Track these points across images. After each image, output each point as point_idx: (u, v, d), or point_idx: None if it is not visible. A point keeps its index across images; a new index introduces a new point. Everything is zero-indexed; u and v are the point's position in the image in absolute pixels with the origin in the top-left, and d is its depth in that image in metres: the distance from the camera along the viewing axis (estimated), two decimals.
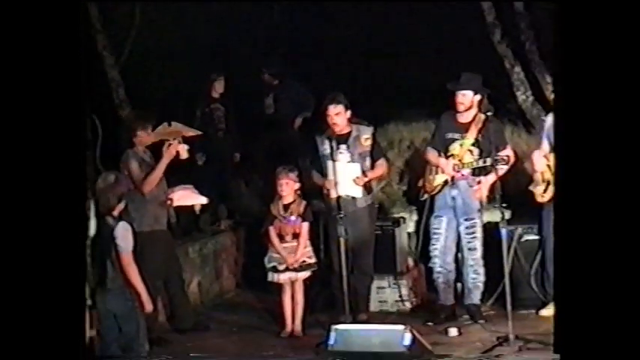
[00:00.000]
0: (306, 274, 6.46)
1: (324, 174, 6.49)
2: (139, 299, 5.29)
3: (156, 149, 6.60)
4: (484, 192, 6.32)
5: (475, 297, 6.58)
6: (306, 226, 6.38)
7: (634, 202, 2.71)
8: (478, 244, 6.46)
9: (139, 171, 6.30)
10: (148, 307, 5.36)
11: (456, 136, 6.46)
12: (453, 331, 6.33)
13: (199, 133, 7.12)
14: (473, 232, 6.41)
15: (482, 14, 9.11)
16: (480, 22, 8.83)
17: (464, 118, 6.43)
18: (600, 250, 2.73)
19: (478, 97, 6.32)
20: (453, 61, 6.68)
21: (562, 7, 2.91)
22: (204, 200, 6.79)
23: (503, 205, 6.13)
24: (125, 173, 6.24)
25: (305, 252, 6.46)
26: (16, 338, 2.94)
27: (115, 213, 5.26)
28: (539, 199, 6.39)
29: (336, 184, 6.31)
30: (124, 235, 5.20)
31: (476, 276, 6.49)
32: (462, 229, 6.43)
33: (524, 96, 8.90)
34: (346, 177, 6.37)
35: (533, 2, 9.08)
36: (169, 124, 6.76)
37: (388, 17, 10.00)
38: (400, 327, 5.52)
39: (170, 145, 6.36)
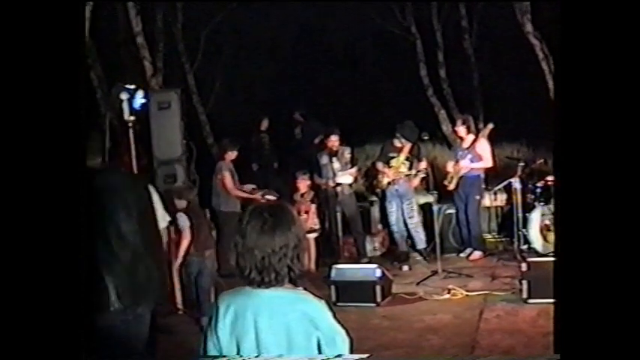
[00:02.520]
0: (314, 235, 9.14)
1: (322, 176, 9.37)
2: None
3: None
4: (414, 184, 9.19)
5: (420, 244, 9.40)
6: (313, 206, 9.36)
7: (634, 202, 2.45)
8: (415, 214, 9.28)
9: (230, 175, 9.00)
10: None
11: (394, 155, 9.16)
12: (405, 268, 9.04)
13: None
14: (410, 207, 9.26)
15: (420, 76, 13.29)
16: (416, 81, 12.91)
17: (397, 143, 9.14)
18: (600, 250, 2.47)
19: (407, 142, 9.04)
20: (400, 109, 9.90)
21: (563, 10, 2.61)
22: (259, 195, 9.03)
23: (434, 192, 8.97)
24: (218, 177, 8.99)
25: (313, 221, 9.28)
26: (17, 338, 2.54)
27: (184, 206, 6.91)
28: (450, 188, 9.30)
29: (333, 181, 9.19)
30: (184, 222, 6.87)
31: (416, 233, 9.32)
32: (404, 207, 9.25)
33: (446, 128, 13.38)
34: (338, 179, 9.24)
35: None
36: None
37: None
38: (374, 266, 7.74)
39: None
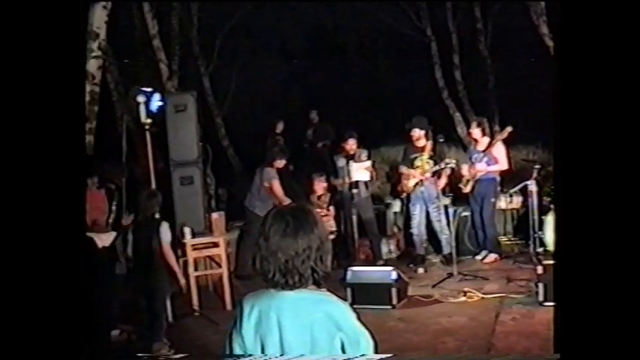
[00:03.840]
0: (331, 237, 9.42)
1: (338, 178, 9.39)
2: (175, 277, 6.41)
3: None
4: (440, 185, 9.02)
5: (446, 249, 9.18)
6: (332, 209, 9.41)
7: (634, 201, 2.44)
8: (442, 216, 9.14)
9: (278, 183, 8.97)
10: (182, 281, 6.56)
11: (417, 155, 9.13)
12: (421, 270, 8.96)
13: None
14: (437, 210, 9.16)
15: (435, 78, 13.77)
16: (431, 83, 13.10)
17: (419, 144, 9.13)
18: (600, 250, 2.46)
19: (423, 131, 9.09)
20: (415, 111, 9.71)
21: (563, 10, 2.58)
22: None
23: (450, 195, 8.99)
24: (265, 184, 8.91)
25: (330, 224, 9.28)
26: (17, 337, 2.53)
27: (157, 215, 6.45)
28: (465, 191, 9.25)
29: (349, 183, 9.21)
30: (165, 230, 6.40)
31: (445, 236, 9.17)
32: (430, 210, 9.18)
33: (461, 130, 13.34)
34: (354, 176, 9.25)
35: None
36: None
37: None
38: (390, 268, 7.69)
39: None
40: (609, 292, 2.50)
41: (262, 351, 2.50)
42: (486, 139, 9.22)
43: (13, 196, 2.67)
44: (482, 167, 9.07)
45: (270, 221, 2.54)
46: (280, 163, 9.21)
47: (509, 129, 8.73)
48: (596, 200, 2.54)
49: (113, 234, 6.60)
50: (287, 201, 8.66)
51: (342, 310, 2.54)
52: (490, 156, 9.04)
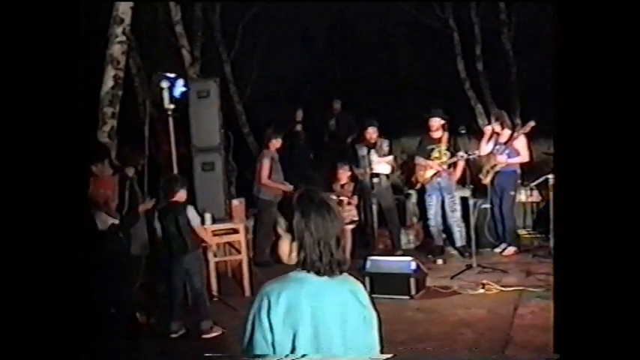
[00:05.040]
0: (352, 226, 9.03)
1: (360, 167, 9.34)
2: (205, 255, 6.65)
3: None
4: (456, 177, 9.15)
5: (458, 242, 9.32)
6: (355, 198, 9.25)
7: (634, 201, 2.42)
8: (457, 207, 9.23)
9: (268, 164, 9.00)
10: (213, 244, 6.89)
11: (433, 146, 9.14)
12: (440, 261, 8.96)
13: None
14: (453, 201, 9.23)
15: (457, 70, 13.63)
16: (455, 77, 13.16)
17: (436, 135, 9.16)
18: (600, 250, 2.44)
19: (441, 121, 9.12)
20: (436, 102, 9.71)
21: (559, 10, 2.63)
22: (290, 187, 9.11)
23: (470, 186, 8.73)
24: (257, 165, 8.99)
25: (353, 213, 9.18)
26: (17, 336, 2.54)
27: (178, 200, 6.54)
28: (484, 182, 9.20)
29: (370, 173, 9.22)
30: (194, 214, 6.57)
31: (459, 229, 9.26)
32: (446, 201, 9.20)
33: (482, 122, 13.56)
34: (376, 169, 9.28)
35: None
36: None
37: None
38: (409, 258, 7.70)
39: None
40: (609, 293, 2.51)
41: (293, 340, 2.50)
42: (507, 131, 9.17)
43: (12, 195, 2.70)
44: (503, 159, 9.03)
45: (313, 208, 2.56)
46: (276, 142, 9.25)
47: (532, 123, 8.66)
48: (596, 200, 2.55)
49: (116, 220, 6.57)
50: (265, 182, 8.93)
51: (362, 289, 2.67)
52: (512, 148, 9.01)
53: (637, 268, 2.48)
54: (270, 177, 9.08)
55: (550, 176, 8.84)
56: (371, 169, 9.24)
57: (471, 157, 8.87)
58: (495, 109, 11.53)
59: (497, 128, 9.20)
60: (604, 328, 2.49)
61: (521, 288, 7.42)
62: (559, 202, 2.89)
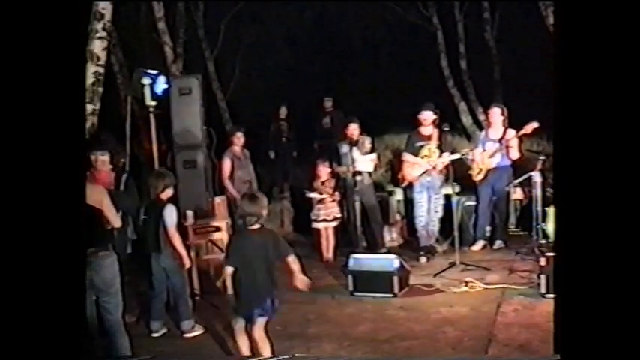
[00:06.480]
0: (335, 223, 9.16)
1: (342, 165, 9.28)
2: (180, 259, 6.33)
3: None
4: (443, 176, 8.98)
5: (433, 240, 9.23)
6: (337, 194, 9.25)
7: (634, 201, 2.42)
8: (440, 208, 9.12)
9: (227, 164, 8.91)
10: (187, 264, 6.44)
11: (423, 143, 8.96)
12: (423, 259, 8.90)
13: None
14: (437, 202, 9.10)
15: (440, 67, 13.82)
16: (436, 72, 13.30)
17: (426, 132, 8.98)
18: (601, 250, 2.44)
19: (434, 116, 8.94)
20: (420, 100, 9.48)
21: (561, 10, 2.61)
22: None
23: (453, 183, 8.68)
24: (218, 165, 8.78)
25: (336, 210, 9.25)
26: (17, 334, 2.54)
27: (164, 197, 6.35)
28: (475, 179, 9.20)
29: (353, 167, 9.13)
30: (170, 214, 6.31)
31: (434, 228, 9.17)
32: (432, 200, 9.03)
33: (466, 119, 13.39)
34: (357, 166, 9.17)
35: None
36: None
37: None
38: (392, 256, 7.65)
39: None
40: (609, 293, 2.51)
41: None
42: (501, 128, 9.19)
43: (12, 194, 2.70)
44: (498, 156, 9.06)
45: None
46: (240, 139, 9.19)
47: (534, 124, 8.60)
48: (596, 200, 2.55)
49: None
50: (226, 182, 8.88)
51: None
52: (505, 144, 9.04)
53: (637, 268, 2.48)
54: (232, 176, 9.00)
55: (533, 174, 8.82)
56: (354, 167, 9.17)
57: (463, 157, 8.85)
58: (480, 107, 11.52)
59: (499, 121, 9.24)
60: (604, 328, 2.49)
61: (504, 285, 7.40)
62: (559, 202, 2.87)
